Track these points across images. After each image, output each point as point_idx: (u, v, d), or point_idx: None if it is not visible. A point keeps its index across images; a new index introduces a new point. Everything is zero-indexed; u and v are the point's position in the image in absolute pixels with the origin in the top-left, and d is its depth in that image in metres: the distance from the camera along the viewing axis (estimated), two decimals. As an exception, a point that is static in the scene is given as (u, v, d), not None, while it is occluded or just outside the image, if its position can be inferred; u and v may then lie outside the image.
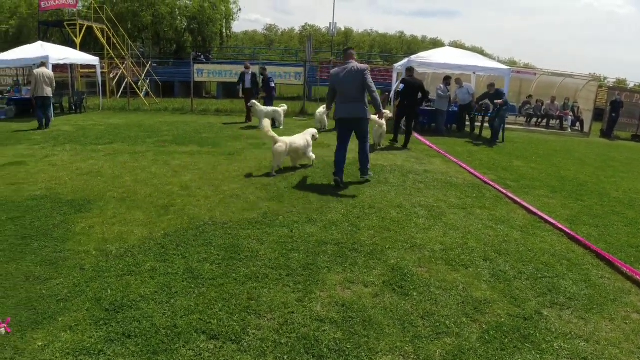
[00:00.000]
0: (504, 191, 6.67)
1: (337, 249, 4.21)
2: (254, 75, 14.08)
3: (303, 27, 74.39)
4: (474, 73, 15.38)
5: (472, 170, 7.94)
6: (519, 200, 6.22)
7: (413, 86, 10.21)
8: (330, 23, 27.54)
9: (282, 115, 13.09)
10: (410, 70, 11.08)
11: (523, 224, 5.29)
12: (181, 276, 3.65)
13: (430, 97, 14.51)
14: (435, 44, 68.49)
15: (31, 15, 32.36)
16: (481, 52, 52.64)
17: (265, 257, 4.02)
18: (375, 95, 6.35)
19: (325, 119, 13.03)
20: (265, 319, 3.07)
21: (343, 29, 67.40)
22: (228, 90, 26.96)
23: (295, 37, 73.98)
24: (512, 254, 4.37)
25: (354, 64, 6.39)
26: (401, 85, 11.29)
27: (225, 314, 3.11)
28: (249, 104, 12.84)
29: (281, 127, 12.70)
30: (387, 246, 4.34)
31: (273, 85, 14.60)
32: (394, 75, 16.04)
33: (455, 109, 14.67)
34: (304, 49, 45.73)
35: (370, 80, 6.26)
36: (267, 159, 8.18)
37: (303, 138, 7.53)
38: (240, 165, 7.61)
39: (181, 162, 7.79)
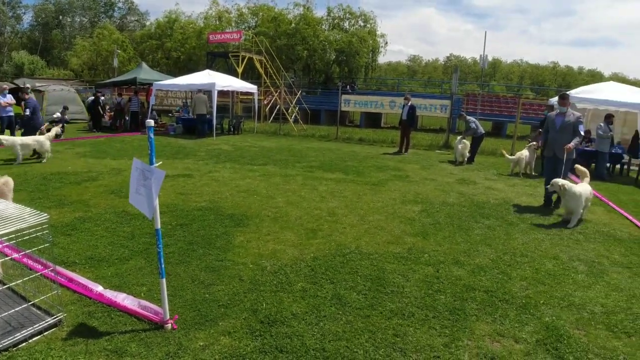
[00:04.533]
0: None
1: (487, 297, 4.06)
2: (412, 107, 14.40)
3: (447, 57, 73.41)
4: (641, 111, 13.60)
5: (642, 224, 7.00)
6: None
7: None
8: (480, 55, 26.64)
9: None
10: (550, 107, 10.47)
11: None
12: (329, 301, 3.85)
13: (590, 136, 13.28)
14: (594, 75, 62.31)
15: (199, 45, 37.26)
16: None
17: (410, 294, 4.04)
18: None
19: (467, 153, 12.68)
20: (411, 359, 3.09)
21: (491, 59, 65.01)
22: (370, 119, 27.73)
23: (439, 67, 73.32)
24: (686, 326, 3.76)
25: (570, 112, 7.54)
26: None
27: (371, 346, 3.20)
28: None
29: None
30: (541, 301, 4.05)
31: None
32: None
33: (619, 151, 13.13)
34: (447, 79, 45.04)
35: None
36: (411, 192, 8.22)
37: None
38: (384, 197, 7.75)
39: (327, 188, 8.20)
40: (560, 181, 6.83)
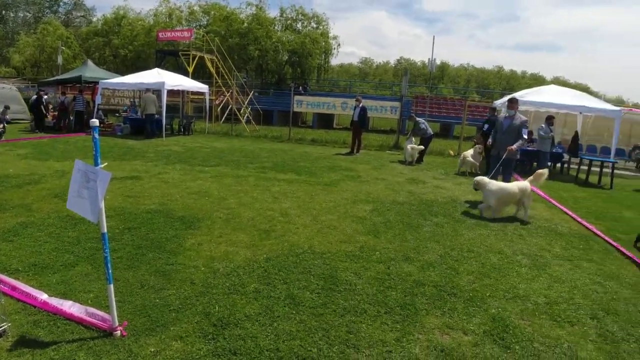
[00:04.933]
0: (614, 244, 6.18)
1: (436, 292, 4.18)
2: (363, 108, 14.58)
3: (398, 60, 75.04)
4: (580, 113, 14.50)
5: (579, 219, 7.45)
6: (630, 254, 5.72)
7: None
8: (428, 59, 27.45)
9: None
10: (493, 110, 11.12)
11: (634, 282, 4.85)
12: (283, 301, 3.85)
13: (533, 137, 14.00)
14: (536, 79, 65.55)
15: (148, 43, 36.23)
16: (586, 89, 49.44)
17: (363, 291, 4.11)
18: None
19: (416, 154, 13.04)
20: (364, 355, 3.13)
21: (439, 62, 67.08)
22: (323, 120, 27.91)
23: (390, 70, 74.78)
24: (621, 313, 4.04)
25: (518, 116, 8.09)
26: (486, 126, 11.34)
27: (325, 344, 3.22)
28: None
29: None
30: (488, 294, 4.22)
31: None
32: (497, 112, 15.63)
33: (560, 150, 13.91)
34: (398, 82, 46.10)
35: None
36: (363, 192, 8.34)
37: None
38: (337, 197, 7.83)
39: (280, 189, 8.19)
40: (477, 178, 7.26)
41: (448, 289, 4.27)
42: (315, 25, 37.93)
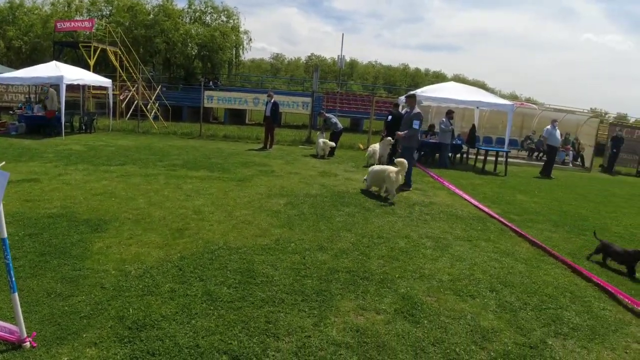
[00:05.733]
0: (509, 224, 6.85)
1: (349, 277, 4.37)
2: (275, 104, 14.55)
3: (309, 57, 75.91)
4: (477, 108, 15.77)
5: (477, 203, 8.13)
6: (523, 233, 6.40)
7: (398, 118, 11.32)
8: (338, 56, 28.04)
9: None
10: (396, 105, 12.63)
11: (527, 257, 5.45)
12: (200, 298, 3.80)
13: (434, 130, 14.99)
14: (438, 76, 69.65)
15: (45, 33, 33.26)
16: (483, 86, 53.64)
17: (280, 282, 4.18)
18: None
19: (328, 148, 13.39)
20: (284, 342, 3.21)
21: (348, 59, 68.94)
22: (235, 116, 27.51)
23: (301, 66, 75.38)
24: (517, 285, 4.52)
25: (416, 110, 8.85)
26: (389, 117, 12.41)
27: (245, 336, 3.25)
28: None
29: None
30: (397, 275, 4.49)
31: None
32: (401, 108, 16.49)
33: (459, 142, 15.01)
34: (309, 78, 46.66)
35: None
36: (277, 186, 8.40)
37: None
38: (251, 192, 7.81)
39: (193, 187, 7.99)
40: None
41: (360, 273, 4.48)
42: (225, 19, 37.19)
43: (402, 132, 8.88)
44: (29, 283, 3.90)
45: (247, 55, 48.19)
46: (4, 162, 2.74)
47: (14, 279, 2.95)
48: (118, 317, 3.42)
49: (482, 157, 13.82)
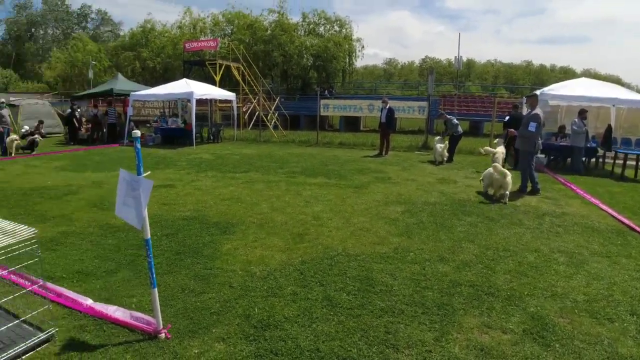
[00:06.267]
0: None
1: (473, 291, 4.16)
2: (390, 110, 14.56)
3: (423, 60, 74.36)
4: (614, 106, 14.07)
5: (616, 214, 7.24)
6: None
7: (518, 120, 11.07)
8: (455, 56, 27.12)
9: None
10: (516, 107, 13.21)
11: (680, 279, 4.71)
12: (320, 302, 3.90)
13: (565, 132, 13.70)
14: (566, 72, 63.89)
15: (175, 54, 37.06)
16: (618, 81, 47.87)
17: (399, 292, 4.12)
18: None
19: (446, 153, 12.94)
20: (404, 354, 3.15)
21: (465, 59, 66.36)
22: (350, 123, 27.92)
23: (415, 70, 74.22)
24: (664, 310, 3.94)
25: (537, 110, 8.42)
26: (507, 117, 11.95)
27: (365, 345, 3.26)
28: None
29: None
30: (526, 292, 4.17)
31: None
32: (524, 109, 15.37)
33: (594, 144, 13.54)
34: (424, 81, 45.69)
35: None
36: (394, 194, 8.33)
37: None
38: (367, 199, 7.85)
39: (311, 193, 8.26)
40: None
41: (485, 288, 4.24)
42: (338, 29, 37.97)
43: (517, 131, 8.52)
44: (165, 279, 4.32)
45: (359, 63, 48.69)
46: (149, 172, 3.08)
47: (154, 275, 3.30)
48: (244, 316, 3.64)
49: (621, 162, 12.25)
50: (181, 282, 4.28)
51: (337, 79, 38.40)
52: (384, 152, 14.74)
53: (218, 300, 3.92)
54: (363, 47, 38.88)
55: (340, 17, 38.18)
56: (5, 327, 3.29)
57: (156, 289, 3.29)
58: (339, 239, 5.60)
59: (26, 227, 3.18)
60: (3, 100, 14.00)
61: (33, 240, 3.16)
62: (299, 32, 37.75)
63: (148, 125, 23.10)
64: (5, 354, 2.98)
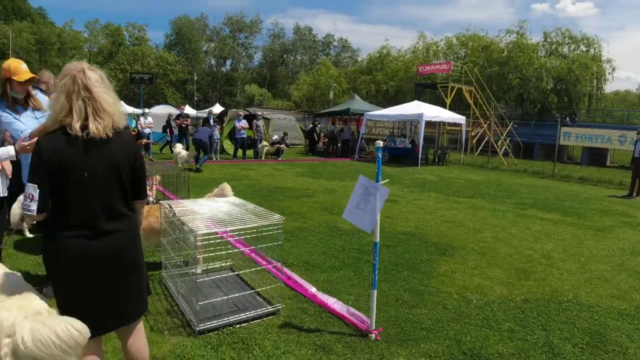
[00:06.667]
0: None
1: None
2: None
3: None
4: None
5: None
6: None
7: None
8: None
9: None
10: None
11: None
12: (540, 347, 3.56)
13: None
14: None
15: (407, 77, 38.49)
16: None
17: (635, 357, 3.48)
18: None
19: None
20: None
21: None
22: (594, 155, 24.46)
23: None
24: None
25: None
26: None
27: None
28: None
29: None
30: None
31: None
32: None
33: None
34: None
35: None
36: (647, 243, 7.01)
37: None
38: (610, 245, 6.79)
39: (542, 229, 7.57)
40: None
41: None
42: (585, 49, 33.82)
43: None
44: (381, 286, 4.53)
45: (609, 87, 42.16)
46: (387, 180, 3.37)
47: (377, 277, 3.53)
48: (455, 339, 3.58)
49: None
50: (396, 292, 4.46)
51: (581, 104, 34.18)
52: (634, 194, 12.45)
53: (430, 317, 3.95)
54: (614, 69, 33.73)
55: (588, 35, 34.00)
56: (242, 294, 4.06)
57: (375, 291, 3.52)
58: (570, 284, 5.01)
59: (277, 214, 3.83)
60: (260, 112, 17.06)
61: (280, 226, 3.79)
62: (539, 53, 34.97)
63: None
64: (237, 316, 3.64)
